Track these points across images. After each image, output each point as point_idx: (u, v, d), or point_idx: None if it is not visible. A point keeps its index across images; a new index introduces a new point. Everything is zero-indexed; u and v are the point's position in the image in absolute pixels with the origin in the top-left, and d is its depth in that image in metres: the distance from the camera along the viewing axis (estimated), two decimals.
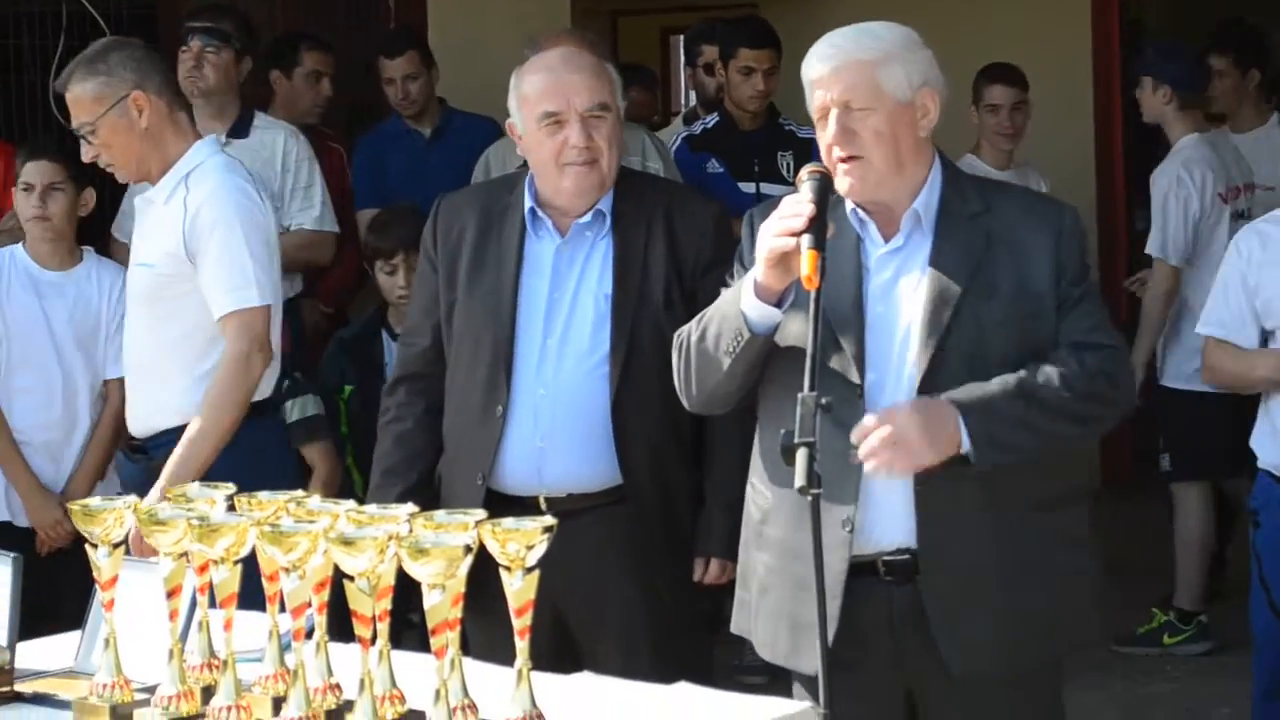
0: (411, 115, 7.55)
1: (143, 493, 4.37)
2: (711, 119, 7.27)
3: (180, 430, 4.80)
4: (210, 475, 4.39)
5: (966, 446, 3.49)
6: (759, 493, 3.78)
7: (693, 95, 9.19)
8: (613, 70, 4.41)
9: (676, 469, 4.32)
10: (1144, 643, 7.05)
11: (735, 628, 3.87)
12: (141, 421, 5.02)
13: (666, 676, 3.37)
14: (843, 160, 3.60)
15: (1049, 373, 3.57)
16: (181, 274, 4.84)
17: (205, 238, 4.81)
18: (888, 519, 3.60)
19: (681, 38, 9.72)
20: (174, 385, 4.89)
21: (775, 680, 3.81)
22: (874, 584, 3.61)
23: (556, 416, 4.23)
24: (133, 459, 5.10)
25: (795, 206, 3.48)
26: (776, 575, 3.73)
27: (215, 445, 4.77)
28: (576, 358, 4.26)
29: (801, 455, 3.16)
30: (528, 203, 4.33)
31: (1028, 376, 3.55)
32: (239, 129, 6.65)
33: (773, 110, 7.13)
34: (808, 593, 3.60)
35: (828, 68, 3.61)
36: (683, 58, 9.74)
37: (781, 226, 3.47)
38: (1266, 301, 5.07)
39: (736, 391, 3.73)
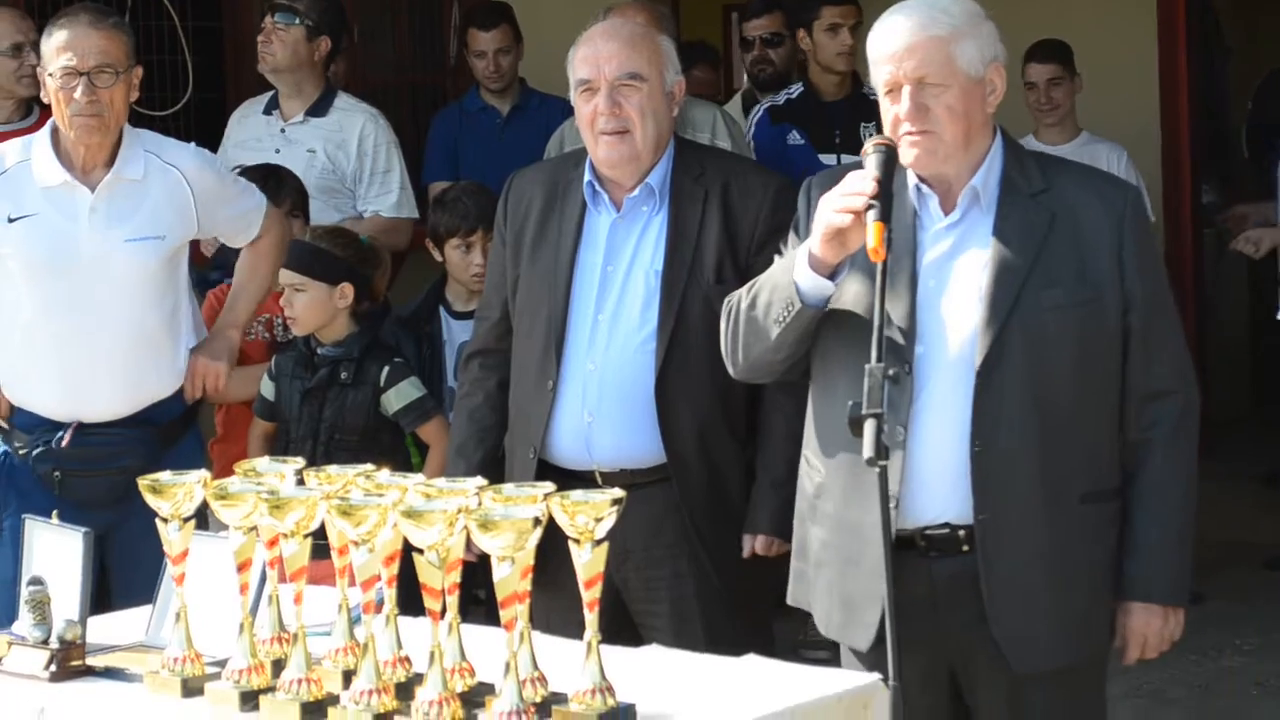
0: (497, 90, 7.54)
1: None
2: (796, 89, 7.16)
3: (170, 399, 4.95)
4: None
5: (1185, 601, 3.73)
6: (813, 467, 3.76)
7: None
8: (665, 42, 4.36)
9: (726, 446, 4.30)
10: None
11: (793, 600, 3.86)
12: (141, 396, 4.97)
13: (720, 652, 3.37)
14: (911, 134, 3.56)
15: (1165, 497, 3.67)
16: (186, 240, 4.99)
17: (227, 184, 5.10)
18: (928, 493, 3.58)
19: None
20: (173, 353, 4.95)
21: (838, 655, 3.80)
22: (914, 558, 3.58)
23: (604, 392, 4.23)
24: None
25: (858, 184, 3.46)
26: (831, 550, 3.71)
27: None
28: (626, 334, 4.26)
29: (870, 426, 3.17)
30: (587, 176, 4.33)
31: (1162, 516, 3.66)
32: (318, 108, 6.63)
33: (856, 80, 7.01)
34: (857, 569, 3.61)
35: (900, 43, 3.56)
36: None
37: (842, 204, 3.46)
38: None
39: (783, 362, 3.71)
